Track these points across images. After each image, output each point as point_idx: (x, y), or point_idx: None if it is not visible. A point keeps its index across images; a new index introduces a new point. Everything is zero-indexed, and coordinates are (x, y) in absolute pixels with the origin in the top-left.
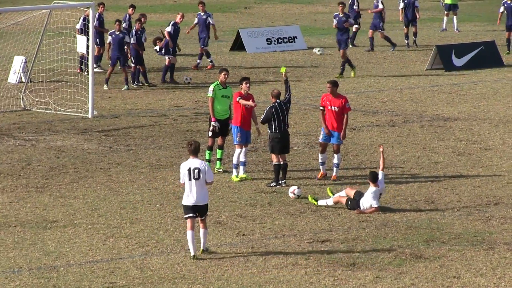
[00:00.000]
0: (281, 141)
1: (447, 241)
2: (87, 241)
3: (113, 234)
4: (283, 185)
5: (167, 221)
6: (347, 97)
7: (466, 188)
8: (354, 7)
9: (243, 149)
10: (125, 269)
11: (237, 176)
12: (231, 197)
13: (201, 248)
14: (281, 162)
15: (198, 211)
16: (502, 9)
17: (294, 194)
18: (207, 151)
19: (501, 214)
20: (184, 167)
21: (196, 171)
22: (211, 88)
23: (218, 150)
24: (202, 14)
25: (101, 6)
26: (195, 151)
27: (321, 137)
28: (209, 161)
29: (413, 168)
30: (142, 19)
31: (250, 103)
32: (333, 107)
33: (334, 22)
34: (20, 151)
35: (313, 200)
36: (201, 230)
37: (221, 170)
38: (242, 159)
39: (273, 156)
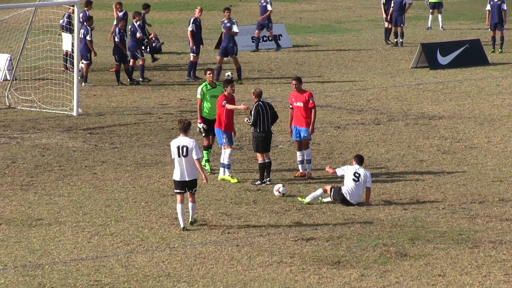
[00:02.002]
0: (265, 140)
1: (432, 240)
2: (72, 239)
3: (98, 232)
4: (268, 183)
5: (152, 219)
6: (312, 92)
7: (451, 186)
8: (268, 7)
9: (228, 150)
10: (110, 267)
11: (232, 177)
12: (216, 195)
13: (190, 220)
14: (266, 161)
15: (187, 186)
16: (488, 7)
17: (279, 192)
18: (204, 151)
19: (486, 212)
20: (174, 144)
21: (184, 148)
22: (199, 89)
23: (203, 150)
24: (119, 13)
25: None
26: (185, 129)
27: (293, 135)
28: (208, 161)
29: (398, 166)
30: (136, 17)
31: (240, 107)
32: (298, 103)
33: (223, 29)
34: (5, 149)
35: (302, 199)
36: (190, 204)
37: (207, 169)
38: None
39: (258, 155)
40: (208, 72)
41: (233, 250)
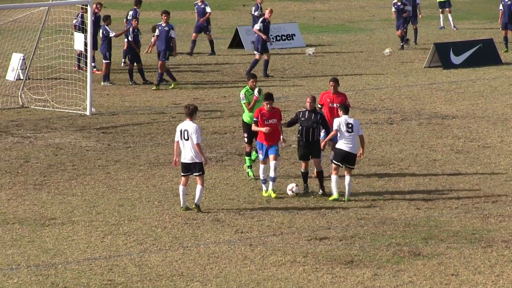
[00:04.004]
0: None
1: (445, 239)
2: (85, 239)
3: (111, 232)
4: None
5: (165, 218)
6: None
7: (464, 185)
8: (207, 9)
9: (272, 163)
10: (123, 266)
11: (266, 191)
12: (229, 194)
13: (195, 202)
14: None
15: (192, 168)
16: (501, 6)
17: (293, 191)
18: (247, 158)
19: (499, 211)
20: (179, 127)
21: (186, 132)
22: (242, 94)
23: (245, 156)
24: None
25: (164, 15)
26: (190, 114)
27: (322, 135)
28: (250, 167)
29: (411, 166)
30: (164, 16)
31: (263, 129)
32: (335, 104)
33: (157, 32)
34: (18, 149)
35: (332, 197)
36: (198, 187)
37: (251, 177)
38: (271, 174)
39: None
40: (251, 80)
41: (247, 250)
